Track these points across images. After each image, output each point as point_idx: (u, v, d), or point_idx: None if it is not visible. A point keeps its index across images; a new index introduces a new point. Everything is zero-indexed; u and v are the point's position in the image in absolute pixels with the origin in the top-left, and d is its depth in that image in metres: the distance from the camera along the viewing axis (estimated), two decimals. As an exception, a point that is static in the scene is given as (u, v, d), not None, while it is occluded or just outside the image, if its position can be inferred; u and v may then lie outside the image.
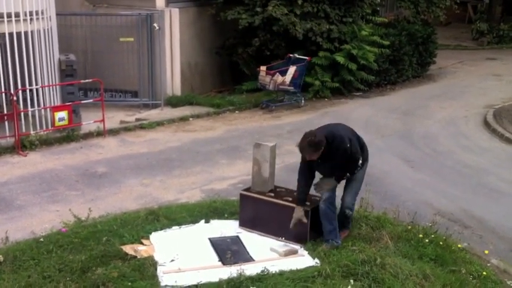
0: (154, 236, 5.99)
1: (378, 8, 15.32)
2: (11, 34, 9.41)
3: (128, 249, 5.63)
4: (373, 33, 13.70)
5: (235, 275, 5.18)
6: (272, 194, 6.14)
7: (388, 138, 10.48)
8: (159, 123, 11.02)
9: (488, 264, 5.96)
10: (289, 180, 7.64)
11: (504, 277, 5.78)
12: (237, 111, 12.11)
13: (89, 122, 10.31)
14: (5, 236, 5.91)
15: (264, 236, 6.04)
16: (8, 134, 9.49)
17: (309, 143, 5.45)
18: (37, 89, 9.91)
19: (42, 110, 10.01)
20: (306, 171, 5.80)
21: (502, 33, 21.61)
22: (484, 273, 5.58)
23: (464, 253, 5.99)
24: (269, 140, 9.77)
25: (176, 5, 12.58)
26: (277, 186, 6.40)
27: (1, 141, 9.39)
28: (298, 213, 5.75)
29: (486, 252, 6.21)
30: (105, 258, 5.44)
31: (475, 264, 5.76)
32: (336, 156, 5.54)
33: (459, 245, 6.08)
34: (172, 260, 5.54)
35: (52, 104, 10.12)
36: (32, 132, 9.66)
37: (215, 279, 5.18)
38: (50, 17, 10.15)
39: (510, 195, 7.98)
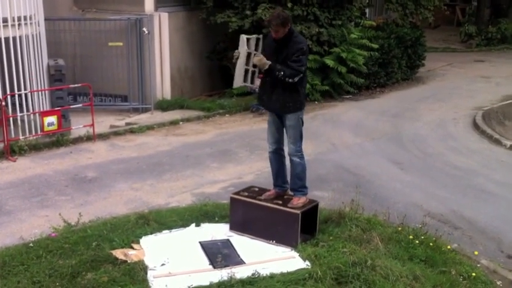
0: (145, 240, 5.96)
1: (366, 11, 15.37)
2: (-1, 39, 9.38)
3: (118, 253, 5.59)
4: (362, 36, 13.77)
5: (226, 278, 5.17)
6: (262, 198, 6.12)
7: (378, 140, 10.51)
8: (149, 127, 10.99)
9: (478, 265, 5.96)
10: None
11: (494, 277, 5.79)
12: (227, 115, 12.12)
13: (79, 126, 10.26)
14: (-6, 242, 5.88)
15: (254, 239, 6.03)
16: (-4, 139, 9.45)
17: (278, 14, 5.70)
18: (26, 94, 9.84)
19: (31, 115, 9.93)
20: None
21: (490, 35, 21.79)
22: (474, 273, 5.59)
23: (454, 254, 5.99)
24: (260, 144, 9.84)
25: (165, 9, 12.57)
26: (267, 189, 6.36)
27: (-10, 146, 9.34)
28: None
29: (476, 253, 6.23)
30: (95, 263, 5.41)
31: (465, 265, 5.77)
32: (293, 48, 5.72)
33: (449, 246, 6.09)
34: (162, 264, 5.51)
35: (41, 109, 10.06)
36: (21, 137, 9.60)
37: (206, 282, 5.17)
38: (38, 22, 10.09)
39: (499, 196, 8.02)
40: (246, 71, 5.68)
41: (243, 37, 5.82)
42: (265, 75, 5.93)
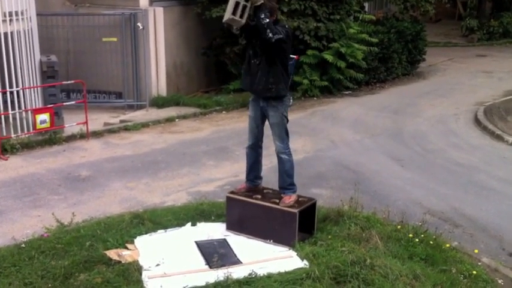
0: (139, 240, 5.89)
1: (365, 5, 15.26)
2: (-10, 35, 9.30)
3: (112, 254, 5.53)
4: (362, 30, 13.67)
5: (222, 278, 5.11)
6: (259, 196, 6.05)
7: (378, 137, 10.42)
8: (144, 125, 10.92)
9: (479, 263, 5.90)
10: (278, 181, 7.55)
11: (495, 276, 5.72)
12: (224, 112, 12.03)
13: (72, 124, 10.18)
14: (-16, 243, 5.81)
15: (251, 238, 5.96)
16: (-12, 137, 9.36)
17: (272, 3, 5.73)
18: (18, 91, 9.76)
19: (24, 113, 9.87)
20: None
21: (492, 29, 21.68)
22: (475, 272, 5.53)
23: (454, 252, 5.92)
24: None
25: (160, 4, 12.50)
26: (264, 187, 6.32)
27: (-19, 145, 9.26)
28: None
29: (476, 251, 6.15)
30: (89, 264, 5.36)
31: (465, 264, 5.71)
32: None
33: (449, 244, 6.02)
34: (157, 265, 5.44)
35: (33, 107, 9.98)
36: (13, 135, 9.54)
37: (202, 283, 5.11)
38: (30, 17, 10.02)
39: (501, 193, 7.92)
40: (237, 4, 5.54)
41: None
42: (249, 58, 5.86)
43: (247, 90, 6.12)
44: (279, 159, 5.99)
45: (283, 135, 5.92)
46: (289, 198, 5.88)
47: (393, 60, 14.78)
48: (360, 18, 14.25)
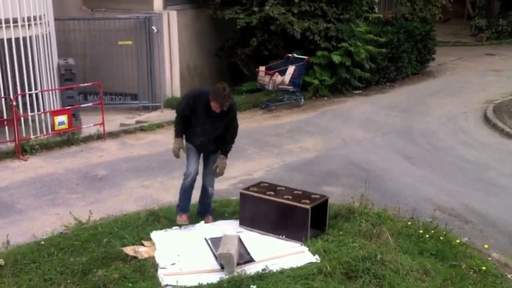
0: (155, 235, 5.99)
1: (374, 6, 15.31)
2: (9, 40, 9.44)
3: (129, 250, 5.63)
4: (370, 31, 13.71)
5: (235, 274, 5.18)
6: (272, 193, 6.13)
7: (388, 135, 10.48)
8: (159, 125, 11.01)
9: (489, 258, 5.92)
10: (290, 179, 7.68)
11: (505, 271, 5.75)
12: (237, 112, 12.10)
13: (89, 125, 10.32)
14: (6, 240, 5.91)
15: (264, 234, 6.03)
16: (8, 139, 9.52)
17: (228, 95, 5.97)
18: (37, 94, 9.93)
19: (42, 115, 10.03)
20: (186, 119, 6.24)
21: (500, 28, 21.58)
22: (485, 267, 5.55)
23: (464, 248, 5.95)
24: (269, 141, 9.83)
25: (174, 7, 12.60)
26: (277, 184, 6.41)
27: (1, 146, 9.43)
28: (178, 143, 6.30)
29: (486, 246, 6.19)
30: (106, 260, 5.45)
31: (475, 259, 5.73)
32: (230, 114, 6.11)
33: (459, 240, 6.05)
34: (173, 264, 5.51)
35: (52, 108, 10.13)
36: (32, 136, 9.67)
37: (216, 278, 5.19)
38: (48, 22, 10.17)
39: (510, 189, 7.97)
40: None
41: None
42: (202, 134, 6.23)
43: (199, 149, 6.41)
44: (207, 193, 6.43)
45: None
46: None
47: (403, 60, 14.79)
48: (370, 18, 14.31)
